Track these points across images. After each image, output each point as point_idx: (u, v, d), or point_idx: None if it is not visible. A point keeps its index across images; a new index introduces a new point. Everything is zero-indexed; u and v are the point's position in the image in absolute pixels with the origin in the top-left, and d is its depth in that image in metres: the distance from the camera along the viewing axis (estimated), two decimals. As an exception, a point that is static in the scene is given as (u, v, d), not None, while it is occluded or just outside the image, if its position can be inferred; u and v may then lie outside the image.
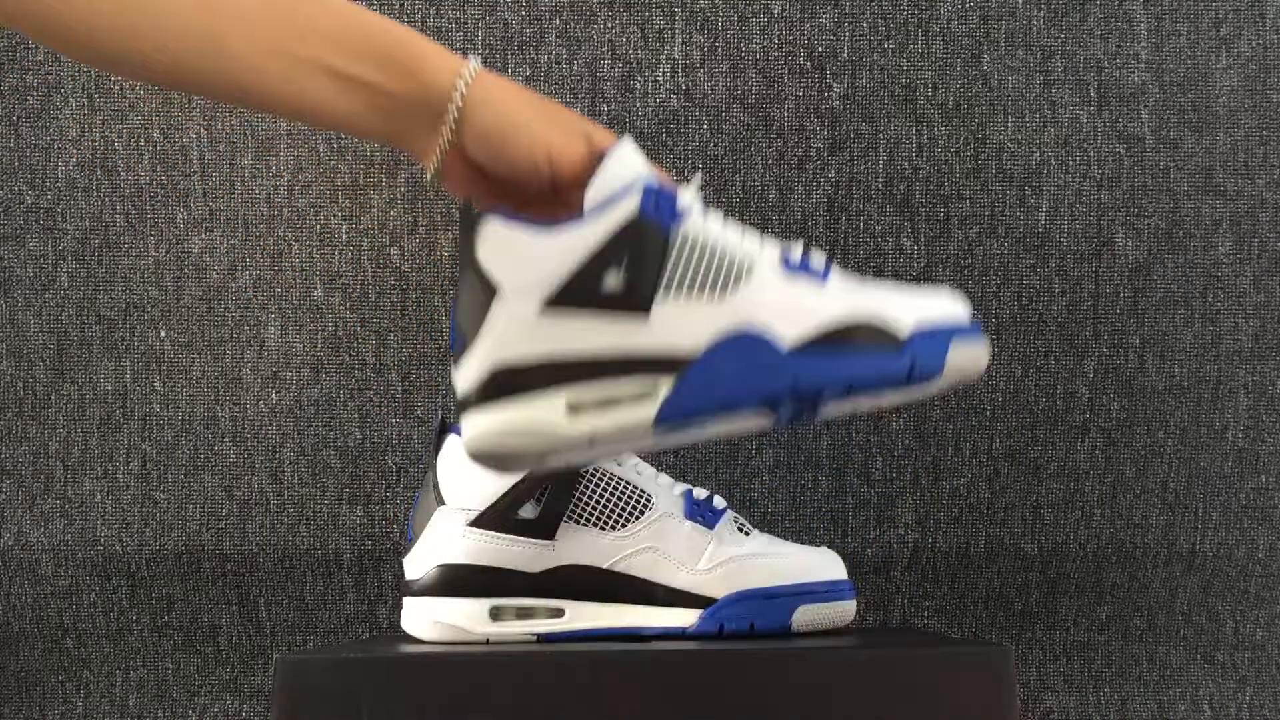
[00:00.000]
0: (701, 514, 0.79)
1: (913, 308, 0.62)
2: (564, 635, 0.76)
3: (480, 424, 0.60)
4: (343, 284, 1.05)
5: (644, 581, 0.76)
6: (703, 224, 0.61)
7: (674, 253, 0.60)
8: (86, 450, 1.05)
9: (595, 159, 0.63)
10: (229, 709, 1.05)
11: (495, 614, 0.76)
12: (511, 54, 1.05)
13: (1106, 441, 1.05)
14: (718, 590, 0.77)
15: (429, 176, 0.65)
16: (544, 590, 0.74)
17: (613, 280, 0.59)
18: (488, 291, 0.59)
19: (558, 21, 1.06)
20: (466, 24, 1.06)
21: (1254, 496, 1.06)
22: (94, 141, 1.06)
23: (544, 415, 0.59)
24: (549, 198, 0.65)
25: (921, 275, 1.05)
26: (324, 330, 1.06)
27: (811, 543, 1.04)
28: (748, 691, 0.64)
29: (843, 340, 0.60)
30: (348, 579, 1.05)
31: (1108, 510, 1.05)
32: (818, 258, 0.63)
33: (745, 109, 1.05)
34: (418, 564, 0.77)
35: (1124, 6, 1.07)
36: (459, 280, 0.60)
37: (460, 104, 0.62)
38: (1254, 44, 1.07)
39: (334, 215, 1.06)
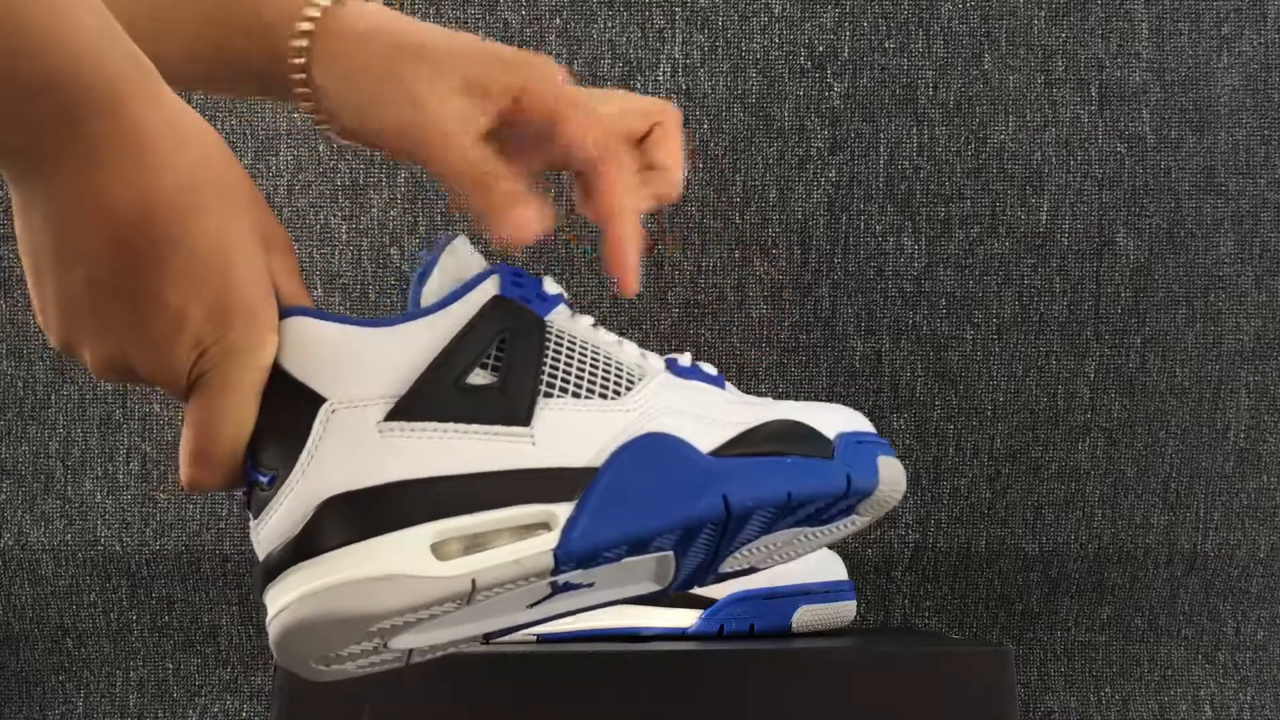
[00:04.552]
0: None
1: (828, 418, 0.53)
2: (564, 635, 0.76)
3: (304, 583, 0.43)
4: (343, 284, 1.05)
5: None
6: (573, 323, 0.50)
7: (551, 345, 0.48)
8: (86, 450, 1.05)
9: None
10: (229, 709, 1.05)
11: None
12: (512, 54, 1.05)
13: (1108, 441, 1.05)
14: (718, 590, 0.77)
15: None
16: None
17: (479, 379, 0.46)
18: (309, 404, 0.45)
19: (558, 21, 1.05)
20: (466, 24, 1.06)
21: (1256, 496, 1.05)
22: (94, 141, 1.06)
23: (403, 557, 0.43)
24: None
25: (922, 275, 1.05)
26: (324, 330, 1.05)
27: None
28: (748, 691, 0.64)
29: (767, 442, 0.50)
30: (348, 579, 1.05)
31: (1109, 510, 1.05)
32: (708, 367, 0.54)
33: (745, 109, 1.05)
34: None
35: (1125, 6, 1.06)
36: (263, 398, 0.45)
37: (304, 64, 0.49)
38: (1255, 43, 1.06)
39: (334, 215, 1.06)
